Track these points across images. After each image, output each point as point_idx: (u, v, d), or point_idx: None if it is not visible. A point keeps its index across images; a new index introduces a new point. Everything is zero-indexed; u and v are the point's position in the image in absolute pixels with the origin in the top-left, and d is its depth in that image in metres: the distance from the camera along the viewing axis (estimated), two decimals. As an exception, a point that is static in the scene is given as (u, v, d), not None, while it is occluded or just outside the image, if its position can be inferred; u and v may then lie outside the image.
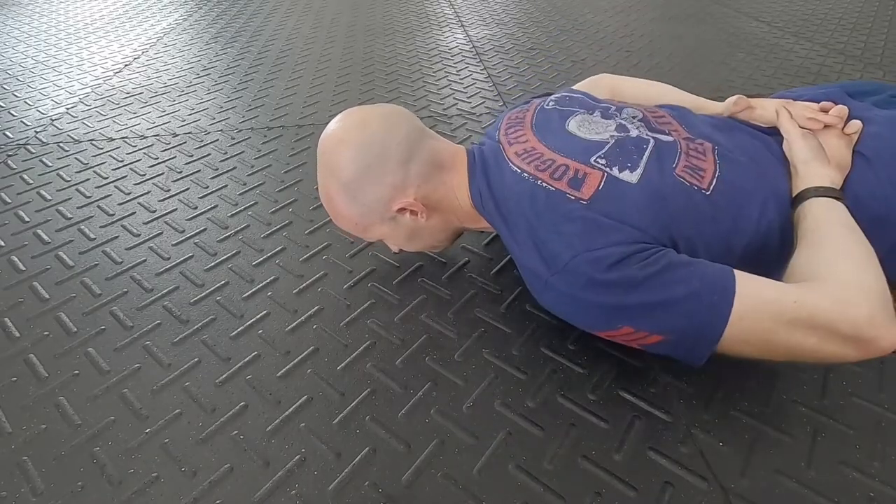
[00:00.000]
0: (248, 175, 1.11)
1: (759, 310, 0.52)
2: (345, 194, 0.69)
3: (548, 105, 0.76)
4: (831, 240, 0.56)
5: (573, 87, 0.90)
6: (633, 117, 0.72)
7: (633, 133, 0.68)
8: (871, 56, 1.56)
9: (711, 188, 0.62)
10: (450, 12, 2.21)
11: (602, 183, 0.61)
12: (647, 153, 0.65)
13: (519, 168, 0.66)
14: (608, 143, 0.66)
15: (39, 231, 0.96)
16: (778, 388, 0.63)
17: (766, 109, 0.73)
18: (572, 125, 0.71)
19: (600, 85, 0.91)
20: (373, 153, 0.67)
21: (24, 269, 0.87)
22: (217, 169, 1.14)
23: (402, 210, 0.70)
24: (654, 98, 0.85)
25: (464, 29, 1.98)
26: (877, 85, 0.80)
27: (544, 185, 0.63)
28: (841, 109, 0.67)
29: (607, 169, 0.62)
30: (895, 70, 1.46)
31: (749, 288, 0.53)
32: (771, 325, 0.52)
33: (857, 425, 0.59)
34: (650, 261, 0.55)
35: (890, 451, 0.56)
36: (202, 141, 1.25)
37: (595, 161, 0.64)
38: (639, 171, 0.62)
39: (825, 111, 0.68)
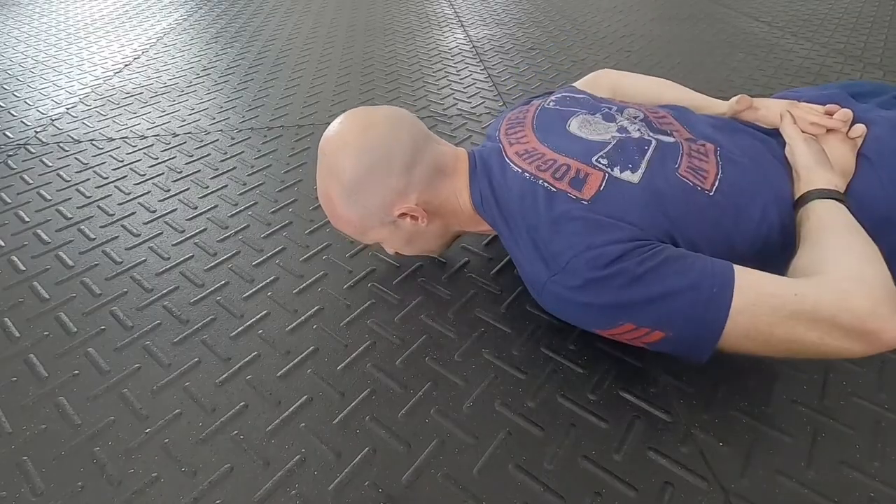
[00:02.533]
0: (248, 175, 1.11)
1: (759, 303, 0.52)
2: (345, 197, 0.68)
3: (549, 105, 0.76)
4: (834, 238, 0.55)
5: (574, 85, 0.89)
6: (635, 118, 0.71)
7: (635, 134, 0.68)
8: (871, 56, 1.56)
9: (714, 189, 0.62)
10: (450, 12, 2.21)
11: (603, 183, 0.61)
12: (648, 153, 0.65)
13: (520, 168, 0.66)
14: (610, 143, 0.66)
15: (39, 231, 0.96)
16: (778, 388, 0.63)
17: (769, 110, 0.73)
18: (573, 125, 0.71)
19: (601, 81, 0.91)
20: (376, 157, 0.66)
21: (24, 269, 0.87)
22: (217, 169, 1.14)
23: (402, 215, 0.70)
24: (655, 95, 0.85)
25: (464, 29, 1.98)
26: (878, 85, 0.80)
27: (546, 184, 0.63)
28: (845, 113, 0.67)
29: (608, 169, 0.62)
30: (895, 70, 1.46)
31: (749, 281, 0.52)
32: (772, 318, 0.51)
33: (857, 425, 0.59)
34: (649, 255, 0.55)
35: (890, 451, 0.56)
36: (202, 141, 1.25)
37: (596, 161, 0.64)
38: (640, 170, 0.62)
39: (829, 114, 0.68)
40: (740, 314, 0.52)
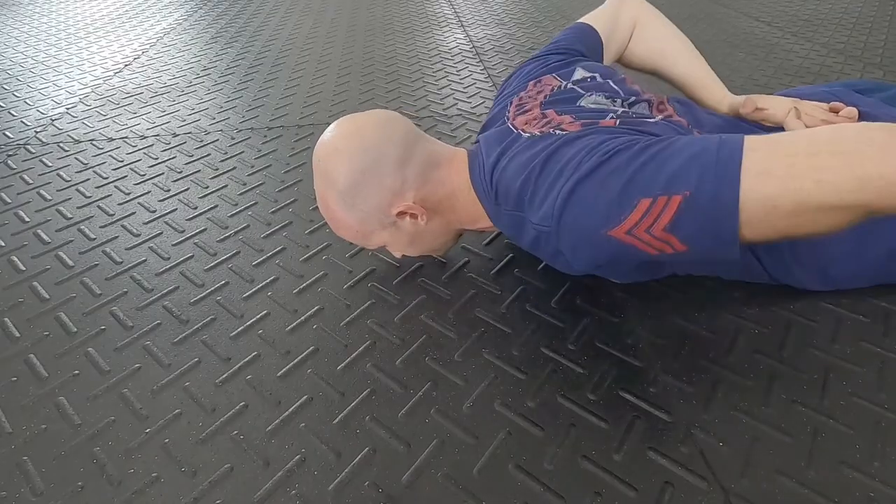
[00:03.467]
0: (248, 175, 1.11)
1: (771, 144, 0.47)
2: (343, 203, 0.68)
3: (566, 87, 0.75)
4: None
5: (588, 22, 0.87)
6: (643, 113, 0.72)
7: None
8: (871, 56, 1.55)
9: None
10: (450, 12, 2.21)
11: (618, 124, 0.60)
12: (660, 116, 0.65)
13: (530, 133, 0.65)
14: (618, 111, 0.67)
15: (39, 231, 0.96)
16: (778, 388, 0.63)
17: (773, 109, 0.73)
18: (585, 101, 0.70)
19: (622, 18, 0.88)
20: (368, 159, 0.66)
21: (24, 269, 0.87)
22: (217, 169, 1.14)
23: (401, 214, 0.70)
24: (670, 57, 0.85)
25: (464, 29, 1.98)
26: (879, 84, 0.80)
27: (557, 131, 0.62)
28: (850, 111, 0.67)
29: (620, 120, 0.62)
30: (895, 70, 1.46)
31: (755, 136, 0.49)
32: (789, 157, 0.46)
33: (857, 425, 0.59)
34: (653, 138, 0.54)
35: (890, 451, 0.56)
36: (202, 141, 1.25)
37: (608, 118, 0.64)
38: (656, 118, 0.62)
39: (835, 111, 0.68)
40: (754, 150, 0.47)
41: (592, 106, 0.68)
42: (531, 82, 0.78)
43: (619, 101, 0.72)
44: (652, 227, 0.51)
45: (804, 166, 0.45)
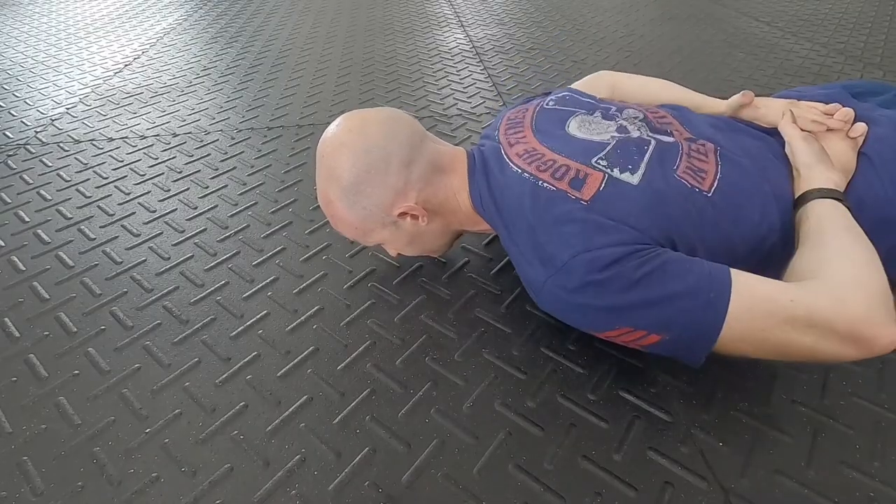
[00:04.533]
0: (248, 175, 1.11)
1: (755, 308, 0.52)
2: (345, 199, 0.68)
3: (548, 104, 0.76)
4: (832, 240, 0.56)
5: (572, 87, 0.89)
6: (635, 118, 0.71)
7: (634, 134, 0.68)
8: (870, 56, 1.55)
9: (713, 190, 0.62)
10: (450, 12, 2.21)
11: (603, 184, 0.61)
12: (648, 154, 0.64)
13: (520, 168, 0.66)
14: (609, 143, 0.66)
15: (39, 231, 0.96)
16: (778, 388, 0.63)
17: (769, 109, 0.73)
18: (572, 126, 0.71)
19: (600, 83, 0.91)
20: (374, 157, 0.66)
21: (24, 269, 0.87)
22: (217, 169, 1.14)
23: (402, 214, 0.70)
24: (654, 95, 0.85)
25: (464, 29, 1.98)
26: (879, 84, 0.80)
27: (545, 185, 0.63)
28: (846, 112, 0.67)
29: (608, 170, 0.62)
30: (895, 70, 1.46)
31: (746, 285, 0.53)
32: (767, 322, 0.52)
33: (857, 425, 0.59)
34: (647, 259, 0.55)
35: (890, 451, 0.56)
36: (202, 141, 1.25)
37: (596, 162, 0.64)
38: (640, 172, 0.62)
39: (830, 114, 0.68)
40: (736, 320, 0.52)
41: (580, 136, 0.68)
42: (515, 108, 0.80)
43: (604, 110, 0.73)
44: (629, 342, 0.59)
45: (776, 338, 0.52)
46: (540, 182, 0.63)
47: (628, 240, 0.57)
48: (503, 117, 0.78)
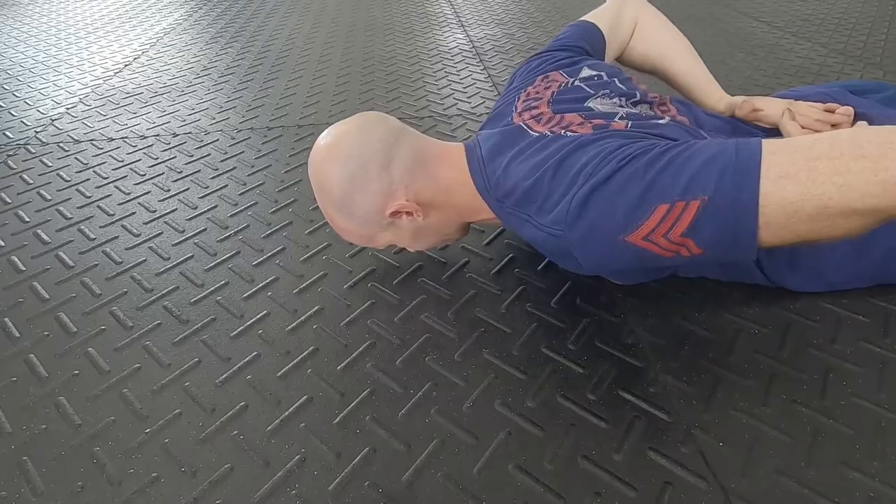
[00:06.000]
0: (248, 175, 1.11)
1: (791, 147, 0.46)
2: (340, 211, 0.69)
3: (572, 84, 0.75)
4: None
5: (591, 20, 0.88)
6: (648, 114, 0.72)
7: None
8: (871, 56, 1.55)
9: None
10: (450, 12, 2.21)
11: (629, 126, 0.61)
12: (667, 117, 0.65)
13: (539, 132, 0.65)
14: (627, 111, 0.67)
15: (39, 231, 0.96)
16: (778, 388, 0.63)
17: (769, 109, 0.73)
18: (591, 103, 0.71)
19: (624, 17, 0.89)
20: (353, 165, 0.67)
21: (24, 269, 0.87)
22: (217, 169, 1.14)
23: (396, 214, 0.70)
24: (668, 55, 0.86)
25: (464, 29, 1.98)
26: (879, 84, 0.80)
27: (568, 133, 0.62)
28: (847, 110, 0.67)
29: (630, 121, 0.62)
30: (895, 70, 1.46)
31: (774, 140, 0.48)
32: (811, 161, 0.45)
33: (857, 425, 0.59)
34: (669, 143, 0.53)
35: (890, 451, 0.56)
36: (202, 141, 1.25)
37: (618, 119, 0.64)
38: (665, 119, 0.62)
39: (831, 111, 0.68)
40: (773, 154, 0.46)
41: (601, 108, 0.68)
42: (539, 77, 0.78)
43: (624, 100, 0.72)
44: (669, 233, 0.50)
45: (826, 170, 0.44)
46: (563, 132, 0.62)
47: (660, 142, 0.55)
48: (521, 93, 0.77)
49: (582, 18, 0.90)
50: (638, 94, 0.74)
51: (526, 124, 0.68)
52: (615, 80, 0.76)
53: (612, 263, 0.58)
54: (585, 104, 0.70)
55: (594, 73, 0.77)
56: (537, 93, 0.74)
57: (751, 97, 0.76)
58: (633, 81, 0.78)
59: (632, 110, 0.69)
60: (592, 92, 0.73)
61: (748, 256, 0.50)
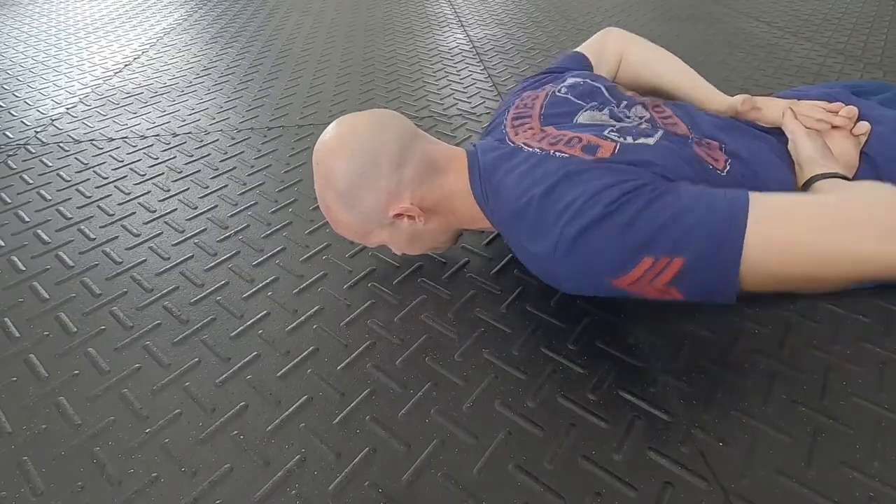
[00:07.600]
0: (248, 175, 1.11)
1: (779, 207, 0.48)
2: (341, 203, 0.69)
3: (560, 92, 0.76)
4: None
5: (581, 51, 0.89)
6: (640, 117, 0.72)
7: (642, 126, 0.69)
8: (871, 56, 1.55)
9: (726, 171, 0.62)
10: (450, 12, 2.21)
11: (617, 148, 0.61)
12: (660, 130, 0.65)
13: (530, 147, 0.66)
14: (616, 125, 0.67)
15: (39, 231, 0.96)
16: (778, 388, 0.63)
17: (771, 109, 0.73)
18: (581, 118, 0.71)
19: (609, 45, 0.90)
20: (364, 160, 0.66)
21: (24, 269, 0.87)
22: (217, 169, 1.14)
23: (399, 215, 0.70)
24: (658, 70, 0.86)
25: (464, 29, 1.98)
26: (879, 84, 0.80)
27: (557, 153, 0.62)
28: (850, 110, 0.67)
29: (620, 139, 0.62)
30: (895, 70, 1.46)
31: (763, 196, 0.50)
32: (792, 231, 0.47)
33: (857, 425, 0.59)
34: (658, 186, 0.54)
35: (890, 451, 0.56)
36: (202, 141, 1.25)
37: (608, 134, 0.64)
38: (656, 136, 0.62)
39: (834, 112, 0.68)
40: (757, 223, 0.48)
41: (590, 122, 0.69)
42: (527, 93, 0.79)
43: (613, 108, 0.73)
44: (654, 281, 0.54)
45: (806, 245, 0.47)
46: (551, 152, 0.62)
47: (645, 177, 0.56)
48: (512, 105, 0.78)
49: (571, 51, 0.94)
50: (625, 101, 0.75)
51: (518, 143, 0.69)
52: (601, 86, 0.78)
53: (598, 294, 0.61)
54: (575, 120, 0.71)
55: (579, 79, 0.79)
56: (526, 105, 0.75)
57: (752, 96, 0.76)
58: (618, 88, 0.79)
59: (624, 124, 0.68)
60: (582, 103, 0.74)
61: (729, 302, 0.53)
